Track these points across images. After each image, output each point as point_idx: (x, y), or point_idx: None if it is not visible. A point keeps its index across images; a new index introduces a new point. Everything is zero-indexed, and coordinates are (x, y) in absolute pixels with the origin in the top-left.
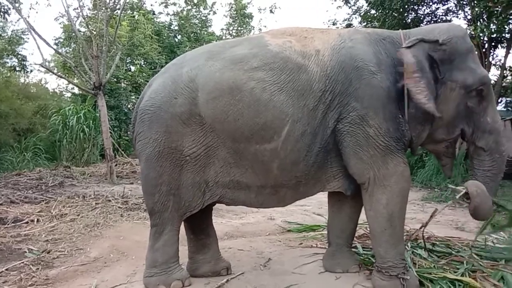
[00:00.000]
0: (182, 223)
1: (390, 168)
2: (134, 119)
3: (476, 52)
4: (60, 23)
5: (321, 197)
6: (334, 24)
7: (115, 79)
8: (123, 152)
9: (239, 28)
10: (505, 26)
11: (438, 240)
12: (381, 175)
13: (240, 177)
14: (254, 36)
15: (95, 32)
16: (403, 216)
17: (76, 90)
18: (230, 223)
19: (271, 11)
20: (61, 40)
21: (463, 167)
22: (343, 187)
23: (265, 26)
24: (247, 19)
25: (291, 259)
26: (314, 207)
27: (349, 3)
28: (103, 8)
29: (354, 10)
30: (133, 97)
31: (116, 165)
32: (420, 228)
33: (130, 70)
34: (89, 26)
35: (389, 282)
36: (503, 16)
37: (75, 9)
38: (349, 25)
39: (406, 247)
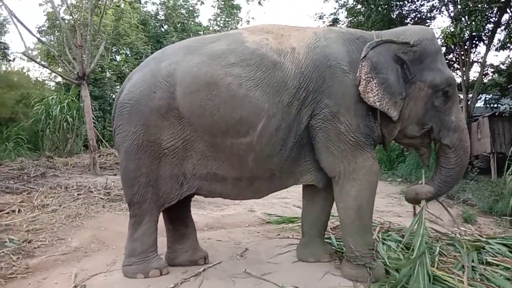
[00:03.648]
0: (161, 214)
1: (359, 162)
2: (114, 112)
3: (457, 50)
4: (44, 11)
5: (301, 191)
6: (320, 18)
7: (99, 69)
8: (106, 143)
9: (227, 19)
10: (484, 26)
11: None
12: (350, 169)
13: (216, 170)
14: (232, 32)
15: (79, 21)
16: (371, 208)
17: (59, 79)
18: (211, 214)
19: (259, 3)
20: (45, 29)
21: None
22: (316, 180)
23: (253, 18)
24: (235, 10)
25: (267, 249)
26: (295, 200)
27: None
28: None
29: (340, 5)
30: (118, 87)
31: (99, 156)
32: None
33: (115, 60)
34: (73, 15)
35: (356, 270)
36: (481, 15)
37: None
38: (335, 20)
39: (377, 238)
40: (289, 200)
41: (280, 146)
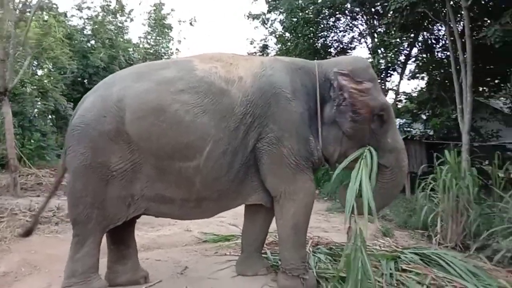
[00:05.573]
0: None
1: (299, 184)
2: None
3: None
4: None
5: (236, 209)
6: (251, 43)
7: (20, 83)
8: (27, 162)
9: (158, 38)
10: (397, 58)
11: (335, 245)
12: (291, 190)
13: (164, 192)
14: (183, 59)
15: (0, 34)
16: (307, 225)
17: None
18: (146, 235)
19: (190, 24)
20: None
21: None
22: (263, 199)
23: (185, 38)
24: (166, 30)
25: (206, 266)
26: (230, 218)
27: (266, 24)
28: (11, 9)
29: (270, 32)
30: (39, 103)
31: (19, 176)
32: None
33: (36, 74)
34: None
35: (291, 281)
36: (395, 50)
37: None
38: (265, 45)
39: (308, 251)
40: (224, 218)
41: (226, 169)
